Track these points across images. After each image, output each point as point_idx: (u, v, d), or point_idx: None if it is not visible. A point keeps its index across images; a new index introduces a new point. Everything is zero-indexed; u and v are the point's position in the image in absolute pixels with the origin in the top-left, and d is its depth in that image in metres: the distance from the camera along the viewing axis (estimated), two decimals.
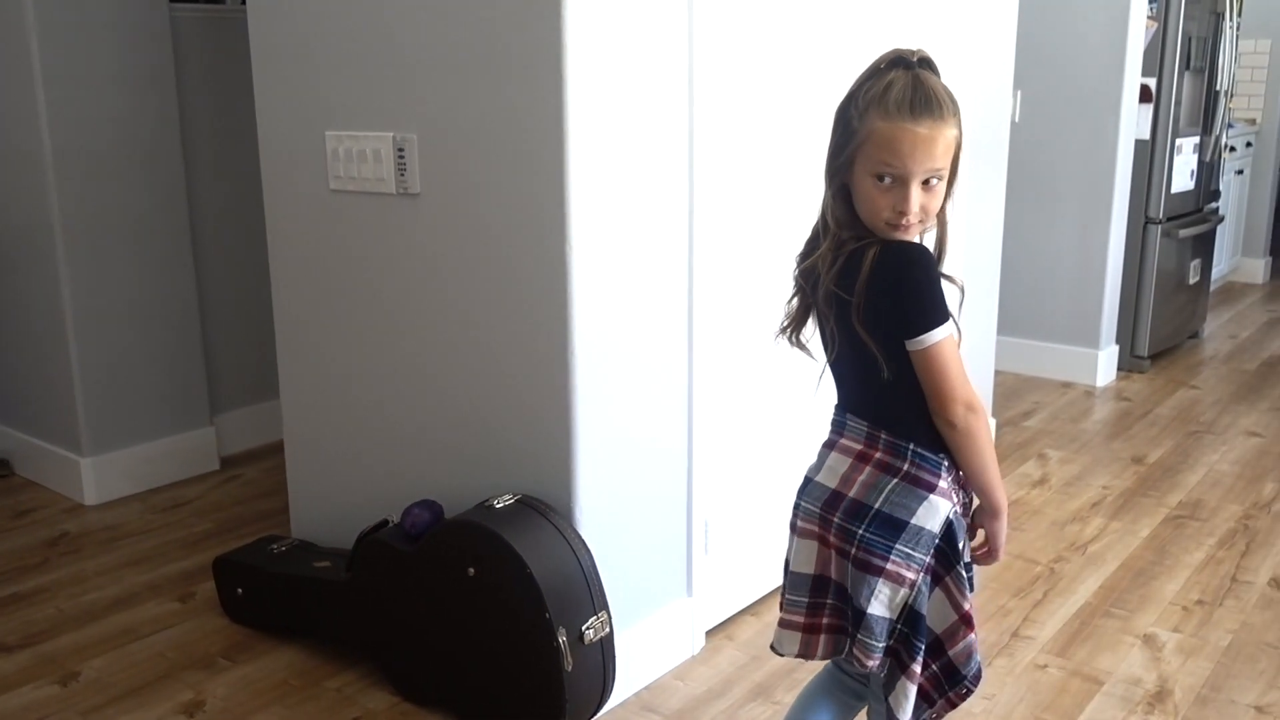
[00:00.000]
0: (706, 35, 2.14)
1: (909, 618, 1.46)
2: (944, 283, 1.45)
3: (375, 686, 2.22)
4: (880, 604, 1.45)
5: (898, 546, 1.42)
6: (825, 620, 1.53)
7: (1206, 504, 3.18)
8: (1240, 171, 6.10)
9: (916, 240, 1.44)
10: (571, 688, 1.92)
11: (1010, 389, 4.30)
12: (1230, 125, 5.20)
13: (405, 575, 2.10)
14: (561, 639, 1.90)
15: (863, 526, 1.44)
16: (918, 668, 1.47)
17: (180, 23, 3.24)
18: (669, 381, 2.20)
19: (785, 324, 1.54)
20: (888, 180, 1.39)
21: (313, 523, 2.58)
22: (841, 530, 1.46)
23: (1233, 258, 6.32)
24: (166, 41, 3.18)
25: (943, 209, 1.48)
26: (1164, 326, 4.66)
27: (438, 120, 2.09)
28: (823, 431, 1.53)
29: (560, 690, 1.91)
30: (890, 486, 1.44)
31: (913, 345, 1.39)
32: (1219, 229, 5.23)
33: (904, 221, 1.40)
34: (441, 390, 2.23)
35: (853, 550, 1.45)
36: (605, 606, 1.99)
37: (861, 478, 1.46)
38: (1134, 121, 4.28)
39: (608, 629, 1.99)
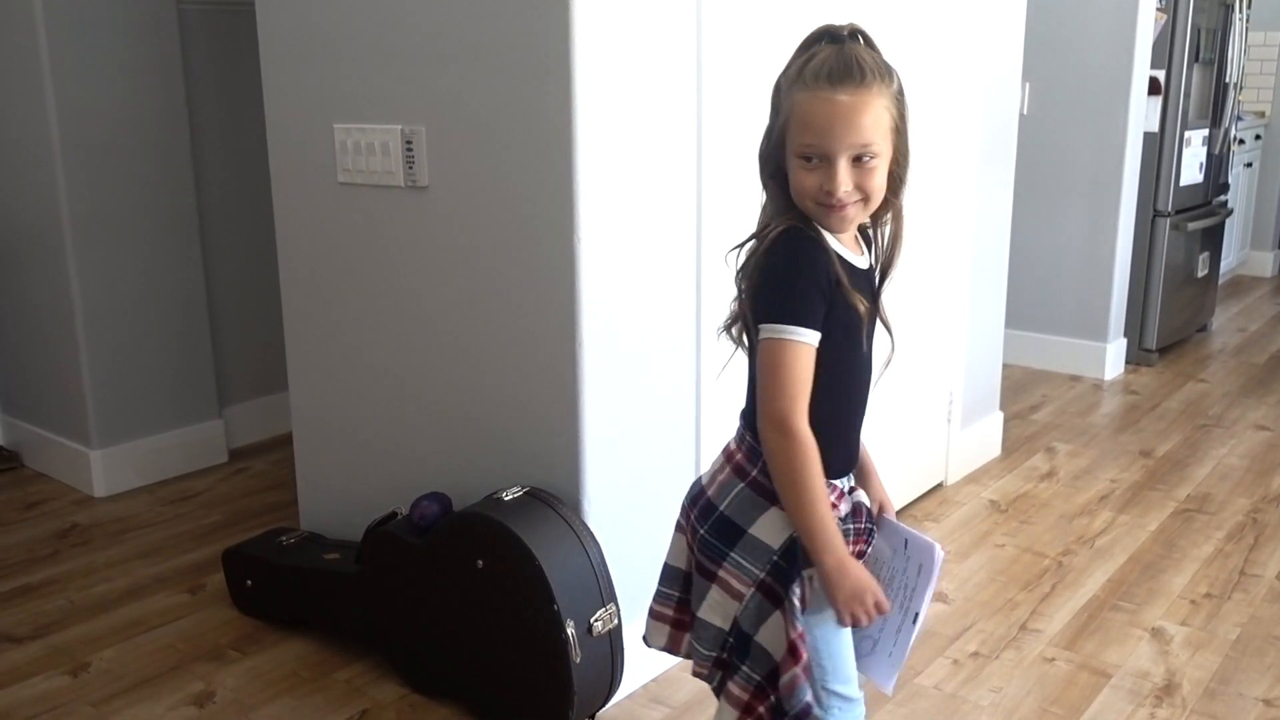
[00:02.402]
0: (715, 22, 2.13)
1: (737, 635, 1.38)
2: (850, 306, 1.32)
3: (384, 678, 2.22)
4: (710, 610, 1.40)
5: (732, 554, 1.36)
6: (689, 617, 1.48)
7: (1215, 498, 3.18)
8: (1249, 164, 6.08)
9: (833, 232, 1.33)
10: (580, 679, 1.92)
11: (1018, 382, 4.29)
12: (1239, 118, 5.18)
13: (414, 567, 2.11)
14: (570, 631, 1.90)
15: (705, 527, 1.40)
16: (739, 691, 1.40)
17: (188, 15, 3.24)
18: (677, 373, 2.20)
19: (726, 319, 1.43)
20: (814, 160, 1.29)
21: (321, 515, 2.59)
22: (692, 528, 1.43)
23: (1241, 251, 6.31)
24: (174, 34, 3.18)
25: (896, 200, 1.38)
26: (1172, 320, 4.65)
27: (446, 112, 2.09)
28: None
29: (569, 682, 1.91)
30: (736, 491, 1.38)
31: (757, 335, 1.31)
32: (1227, 222, 5.21)
33: (834, 202, 1.29)
34: (450, 382, 2.23)
35: (695, 550, 1.43)
36: (614, 599, 1.99)
37: (721, 478, 1.42)
38: (1143, 114, 4.27)
39: (616, 621, 1.99)
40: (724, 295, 2.29)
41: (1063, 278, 4.41)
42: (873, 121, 1.27)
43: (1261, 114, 6.19)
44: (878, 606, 1.33)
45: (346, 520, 2.47)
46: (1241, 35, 4.66)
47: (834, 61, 1.26)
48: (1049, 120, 4.26)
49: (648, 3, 1.98)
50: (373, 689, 2.20)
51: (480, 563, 1.99)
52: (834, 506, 1.37)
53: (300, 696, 2.18)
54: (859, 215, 1.34)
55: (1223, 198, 5.00)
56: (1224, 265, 5.56)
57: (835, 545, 1.31)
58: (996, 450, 3.53)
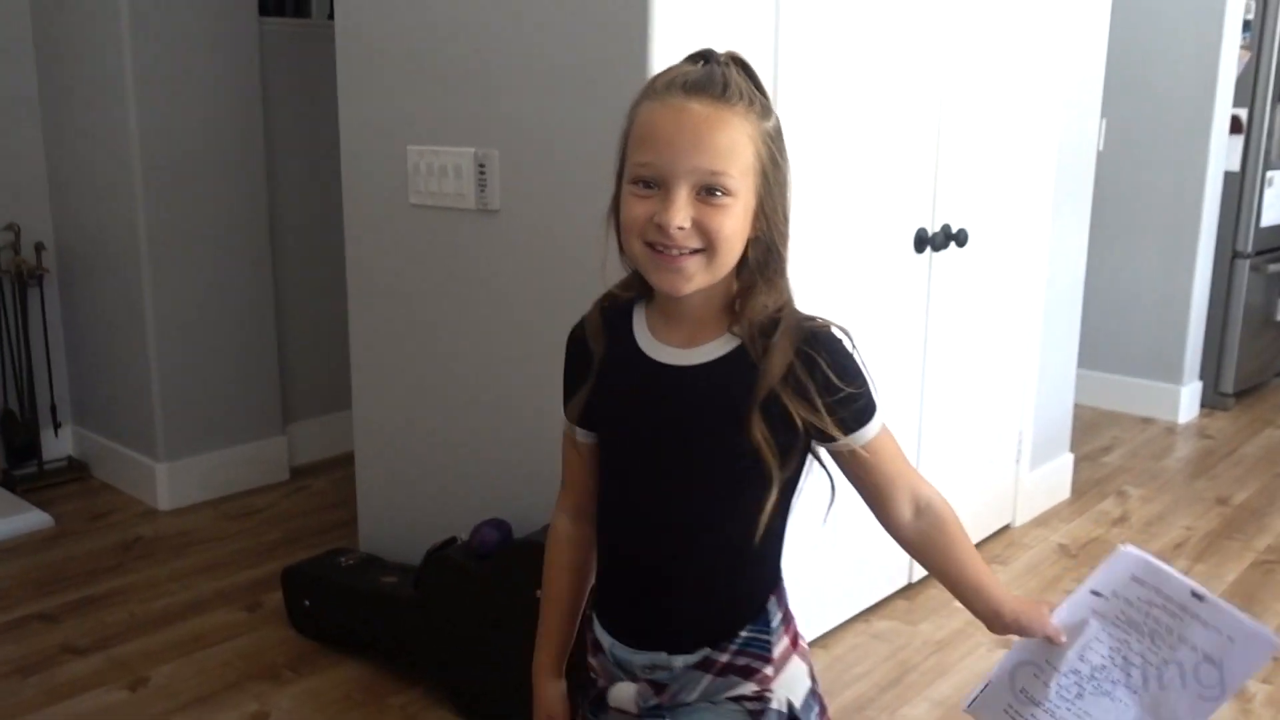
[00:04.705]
0: (792, 48, 2.11)
1: None
2: (611, 419, 1.15)
3: (438, 705, 2.20)
4: None
5: None
6: None
7: None
8: None
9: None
10: None
11: (1089, 423, 4.18)
12: None
13: (472, 594, 2.09)
14: None
15: None
16: None
17: (268, 35, 3.29)
18: None
19: None
20: (651, 185, 1.02)
21: (381, 537, 2.58)
22: None
23: None
24: (255, 53, 3.23)
25: (775, 282, 1.07)
26: (1250, 363, 4.52)
27: (519, 136, 2.09)
28: None
29: None
30: None
31: None
32: None
33: (665, 241, 1.01)
34: (514, 408, 2.22)
35: None
36: None
37: None
38: (1224, 153, 4.16)
39: None
40: None
41: (1137, 318, 4.30)
42: (730, 146, 1.01)
43: None
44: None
45: (406, 543, 2.46)
46: None
47: (695, 73, 1.03)
48: (1126, 157, 4.17)
49: (725, 34, 1.96)
50: (426, 715, 2.18)
51: (538, 593, 1.96)
52: (592, 655, 1.22)
53: None
54: (700, 276, 1.03)
55: None
56: None
57: (537, 656, 1.30)
58: (1066, 492, 3.44)
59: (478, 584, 2.07)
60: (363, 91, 2.39)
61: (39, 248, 3.32)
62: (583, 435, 1.21)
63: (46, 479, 3.37)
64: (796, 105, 2.13)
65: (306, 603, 2.46)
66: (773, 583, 1.18)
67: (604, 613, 1.21)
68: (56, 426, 3.47)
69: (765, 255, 1.07)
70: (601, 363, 1.15)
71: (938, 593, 2.73)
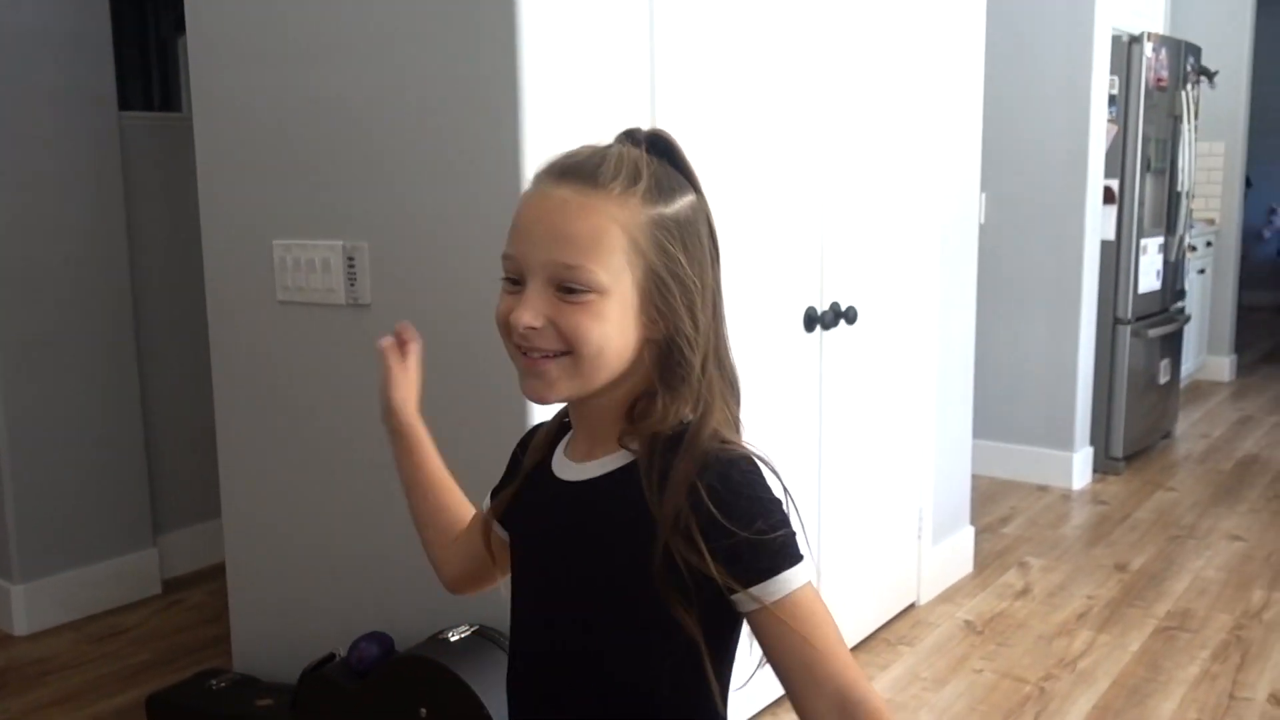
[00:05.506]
0: (671, 128, 2.07)
1: None
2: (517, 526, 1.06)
3: None
4: None
5: None
6: None
7: (1195, 614, 3.07)
8: (1202, 270, 6.13)
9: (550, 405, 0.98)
10: None
11: (986, 493, 4.19)
12: (1191, 225, 5.23)
13: (352, 716, 1.93)
14: None
15: None
16: None
17: (130, 130, 3.16)
18: None
19: None
20: (514, 283, 0.95)
21: (255, 655, 2.41)
22: None
23: (1199, 356, 6.32)
24: (115, 149, 3.09)
25: (670, 374, 0.94)
26: (1137, 427, 4.60)
27: (389, 228, 2.00)
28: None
29: None
30: None
31: None
32: (1186, 328, 5.22)
33: (515, 339, 0.93)
34: (392, 513, 2.08)
35: None
36: None
37: None
38: (1099, 222, 4.28)
39: None
40: None
41: (1028, 386, 4.35)
42: (592, 235, 0.89)
43: (1211, 221, 6.28)
44: None
45: (283, 660, 2.29)
46: (1191, 145, 4.72)
47: (578, 156, 0.94)
48: (1007, 230, 4.26)
49: (600, 117, 1.92)
50: None
51: (423, 711, 1.83)
52: None
53: None
54: (565, 382, 0.93)
55: (1179, 304, 5.02)
56: (1184, 371, 5.55)
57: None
58: (969, 566, 3.41)
59: (357, 704, 1.92)
60: (224, 184, 2.28)
61: None
62: (497, 528, 1.12)
63: None
64: None
65: None
66: None
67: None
68: None
69: (665, 358, 0.94)
70: (525, 473, 1.06)
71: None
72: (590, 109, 1.91)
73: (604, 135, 1.74)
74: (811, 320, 2.50)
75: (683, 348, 0.93)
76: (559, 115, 1.84)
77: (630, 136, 0.97)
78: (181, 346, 3.31)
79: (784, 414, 2.46)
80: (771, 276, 2.39)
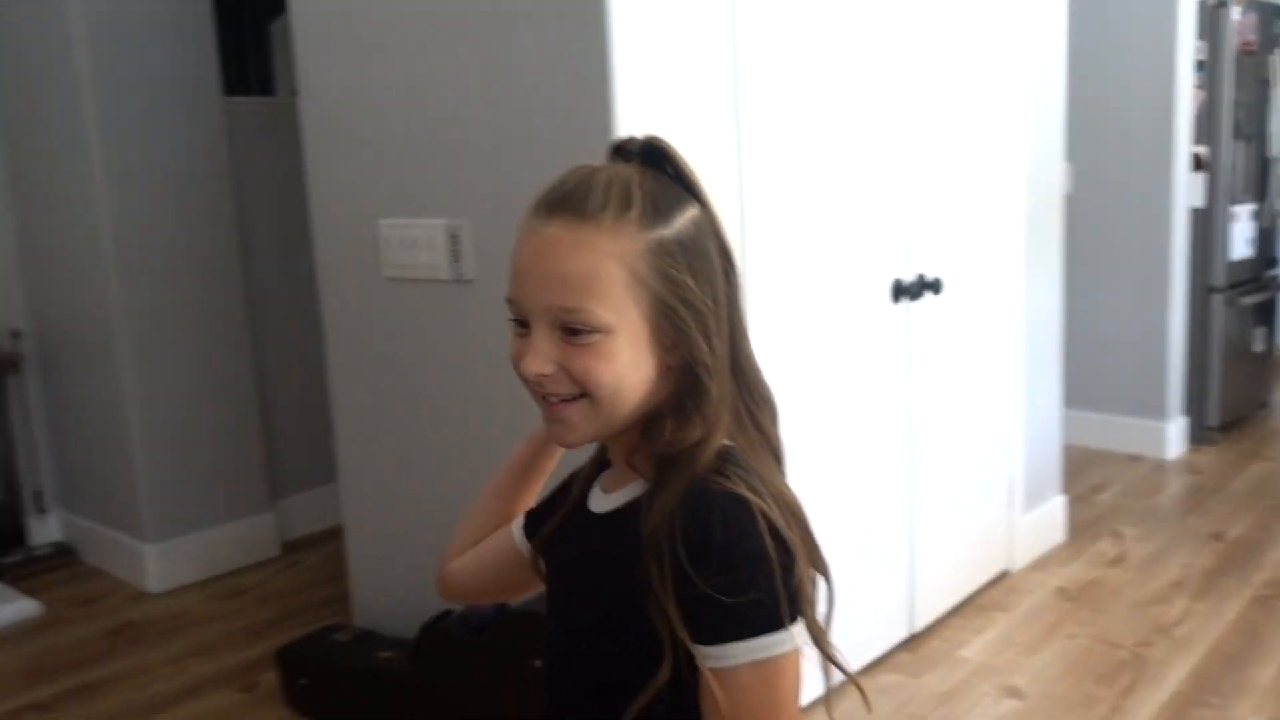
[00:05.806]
0: (757, 106, 2.14)
1: None
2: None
3: None
4: None
5: None
6: None
7: None
8: None
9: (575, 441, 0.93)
10: None
11: (1078, 463, 4.19)
12: None
13: (469, 667, 2.06)
14: None
15: None
16: None
17: (235, 115, 3.32)
18: None
19: None
20: (521, 325, 0.91)
21: (375, 611, 2.56)
22: None
23: None
24: (223, 133, 3.25)
25: (687, 399, 0.89)
26: (1232, 397, 4.54)
27: (490, 206, 2.10)
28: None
29: None
30: None
31: None
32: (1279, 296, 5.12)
33: (530, 387, 0.91)
34: None
35: None
36: None
37: None
38: (1187, 189, 4.23)
39: None
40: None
41: (1118, 355, 4.33)
42: (587, 274, 0.85)
43: None
44: None
45: (402, 616, 2.44)
46: None
47: (566, 186, 0.89)
48: (1095, 199, 4.22)
49: (687, 99, 1.99)
50: None
51: (536, 663, 1.94)
52: None
53: None
54: (587, 425, 0.90)
55: (1272, 272, 4.92)
56: (1279, 340, 5.44)
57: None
58: (1061, 535, 3.44)
59: (474, 656, 2.05)
60: (331, 167, 2.41)
61: (15, 334, 3.32)
62: (520, 542, 1.11)
63: (34, 566, 3.34)
64: (764, 162, 2.16)
65: (303, 682, 2.43)
66: None
67: None
68: (42, 512, 3.44)
69: (687, 386, 0.89)
70: (571, 504, 1.04)
71: (940, 644, 2.71)
72: (677, 86, 1.98)
73: (692, 114, 1.80)
74: (899, 291, 2.55)
75: (701, 375, 0.89)
76: (648, 94, 1.92)
77: (622, 151, 0.93)
78: (292, 322, 3.48)
79: (873, 385, 2.52)
80: (858, 249, 2.45)
